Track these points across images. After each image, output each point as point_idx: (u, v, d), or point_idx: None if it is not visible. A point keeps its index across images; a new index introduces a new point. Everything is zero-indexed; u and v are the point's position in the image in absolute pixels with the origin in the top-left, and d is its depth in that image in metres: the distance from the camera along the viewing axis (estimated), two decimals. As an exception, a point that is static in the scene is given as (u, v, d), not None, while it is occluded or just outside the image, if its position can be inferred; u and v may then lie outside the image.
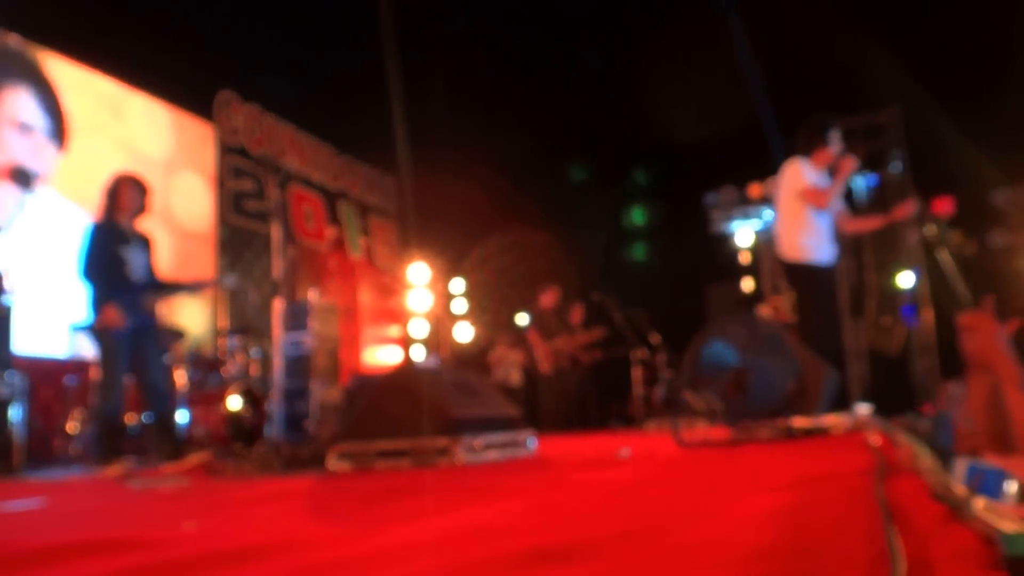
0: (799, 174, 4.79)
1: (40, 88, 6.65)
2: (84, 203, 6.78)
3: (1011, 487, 1.29)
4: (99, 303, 4.68)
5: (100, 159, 7.00)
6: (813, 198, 4.71)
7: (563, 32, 10.51)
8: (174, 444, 4.85)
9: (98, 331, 4.69)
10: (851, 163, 4.77)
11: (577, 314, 8.89)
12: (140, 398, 5.00)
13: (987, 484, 1.32)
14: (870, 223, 5.36)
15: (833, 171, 4.88)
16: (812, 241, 4.74)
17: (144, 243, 5.03)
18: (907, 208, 4.88)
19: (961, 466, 1.35)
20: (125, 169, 5.41)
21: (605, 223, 12.24)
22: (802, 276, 4.75)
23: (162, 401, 4.95)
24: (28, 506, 2.73)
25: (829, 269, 4.81)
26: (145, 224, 5.13)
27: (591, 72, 10.40)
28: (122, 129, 7.43)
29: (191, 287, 5.71)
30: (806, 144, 4.85)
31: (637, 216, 12.41)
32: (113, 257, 4.79)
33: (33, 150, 6.48)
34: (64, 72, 6.89)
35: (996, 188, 9.44)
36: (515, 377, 9.25)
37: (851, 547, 1.20)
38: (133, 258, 4.88)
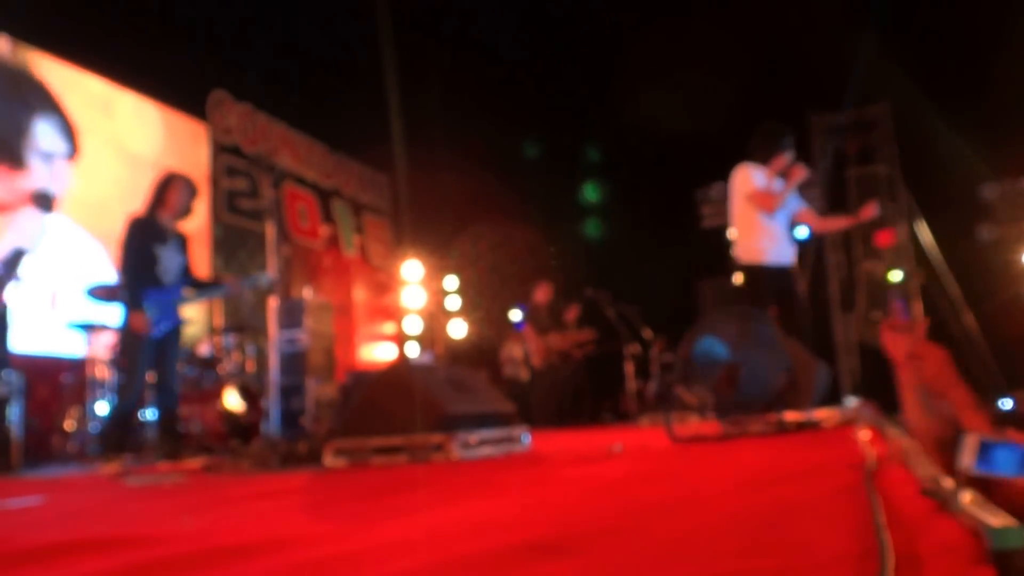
0: (748, 178, 4.93)
1: (60, 116, 6.69)
2: (77, 203, 6.77)
3: None
4: (129, 301, 4.70)
5: (91, 159, 6.98)
6: (762, 201, 4.83)
7: (562, 32, 10.51)
8: (177, 442, 4.86)
9: (125, 331, 4.72)
10: (801, 171, 4.92)
11: (572, 313, 8.91)
12: (152, 395, 5.01)
13: (1001, 460, 1.34)
14: (836, 223, 5.48)
15: (785, 177, 5.02)
16: (766, 244, 4.85)
17: (182, 243, 5.03)
18: (871, 209, 4.93)
19: (972, 441, 1.36)
20: (174, 169, 5.42)
21: (604, 218, 12.25)
22: (758, 278, 4.82)
23: (173, 400, 4.98)
24: (26, 504, 2.73)
25: (786, 270, 4.91)
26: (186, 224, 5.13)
27: (589, 69, 10.40)
28: (113, 128, 7.41)
29: (224, 289, 5.69)
30: (762, 150, 4.99)
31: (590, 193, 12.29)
32: (147, 255, 4.79)
33: (54, 175, 6.54)
34: (55, 72, 6.86)
35: (985, 182, 9.50)
36: (525, 373, 9.26)
37: (840, 541, 1.22)
38: (167, 257, 4.89)
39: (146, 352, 4.70)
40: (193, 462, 4.40)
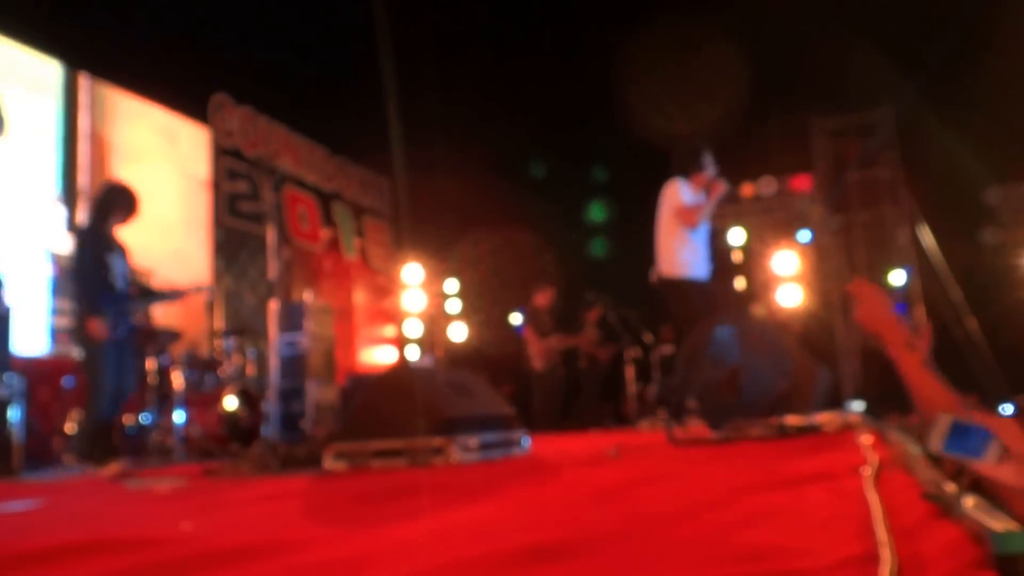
0: (676, 193, 5.02)
1: None
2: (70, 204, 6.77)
3: (994, 447, 1.30)
4: (85, 309, 4.71)
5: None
6: (687, 217, 4.93)
7: (561, 32, 10.52)
8: (104, 450, 4.74)
9: (84, 338, 4.72)
10: (721, 186, 5.03)
11: (594, 314, 8.91)
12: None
13: (969, 442, 1.33)
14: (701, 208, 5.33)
15: (707, 192, 5.11)
16: (690, 258, 4.96)
17: (123, 252, 5.06)
18: (719, 187, 5.03)
19: (944, 421, 1.35)
20: (114, 177, 5.42)
21: (604, 221, 12.23)
22: (681, 291, 4.94)
23: (118, 407, 4.97)
24: (26, 507, 2.73)
25: (706, 284, 5.03)
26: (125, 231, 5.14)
27: (590, 70, 10.40)
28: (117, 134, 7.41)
29: (168, 296, 5.70)
30: (684, 165, 5.08)
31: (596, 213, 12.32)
32: (100, 264, 4.82)
33: None
34: (54, 76, 6.86)
35: (988, 186, 9.49)
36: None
37: (842, 546, 1.22)
38: (117, 264, 4.92)
39: (109, 357, 4.71)
40: (114, 473, 4.34)
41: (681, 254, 4.93)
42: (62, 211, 6.73)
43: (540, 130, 10.79)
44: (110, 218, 4.95)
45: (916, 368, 1.89)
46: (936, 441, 1.35)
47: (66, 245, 6.44)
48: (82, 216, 6.71)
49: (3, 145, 5.46)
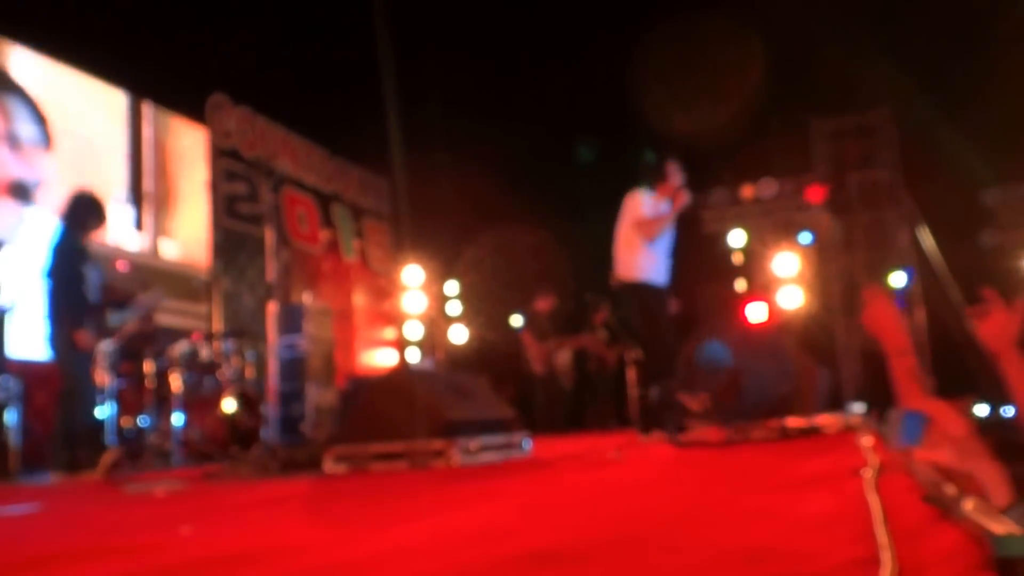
0: (638, 206, 5.06)
1: (18, 96, 6.61)
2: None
3: (930, 432, 1.31)
4: (62, 320, 4.69)
5: (86, 162, 6.97)
6: (644, 229, 4.97)
7: (561, 34, 10.52)
8: (73, 457, 4.69)
9: (66, 350, 4.71)
10: (684, 197, 5.09)
11: (601, 315, 8.90)
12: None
13: (911, 430, 1.34)
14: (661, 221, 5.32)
15: (672, 202, 5.16)
16: (645, 264, 4.99)
17: (96, 263, 5.04)
18: (681, 199, 5.09)
19: (895, 416, 1.36)
20: (81, 186, 5.39)
21: (602, 222, 12.23)
22: (636, 293, 4.99)
23: (90, 415, 4.96)
24: (23, 511, 2.72)
25: (661, 289, 5.07)
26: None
27: (590, 72, 10.40)
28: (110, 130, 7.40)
29: (135, 310, 5.64)
30: (649, 176, 5.12)
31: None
32: (76, 274, 4.79)
33: (26, 161, 6.47)
34: (49, 74, 6.85)
35: (987, 188, 9.50)
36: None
37: (843, 548, 1.21)
38: (92, 276, 4.90)
39: (86, 368, 4.75)
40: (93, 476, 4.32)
41: (637, 260, 4.98)
42: (130, 211, 7.11)
43: (540, 132, 10.80)
44: (83, 229, 4.92)
45: (905, 376, 1.96)
46: (893, 436, 1.36)
47: (134, 243, 7.00)
48: (148, 217, 7.37)
49: (53, 158, 5.43)
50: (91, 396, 4.73)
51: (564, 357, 8.97)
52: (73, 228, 4.90)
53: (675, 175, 5.14)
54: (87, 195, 5.08)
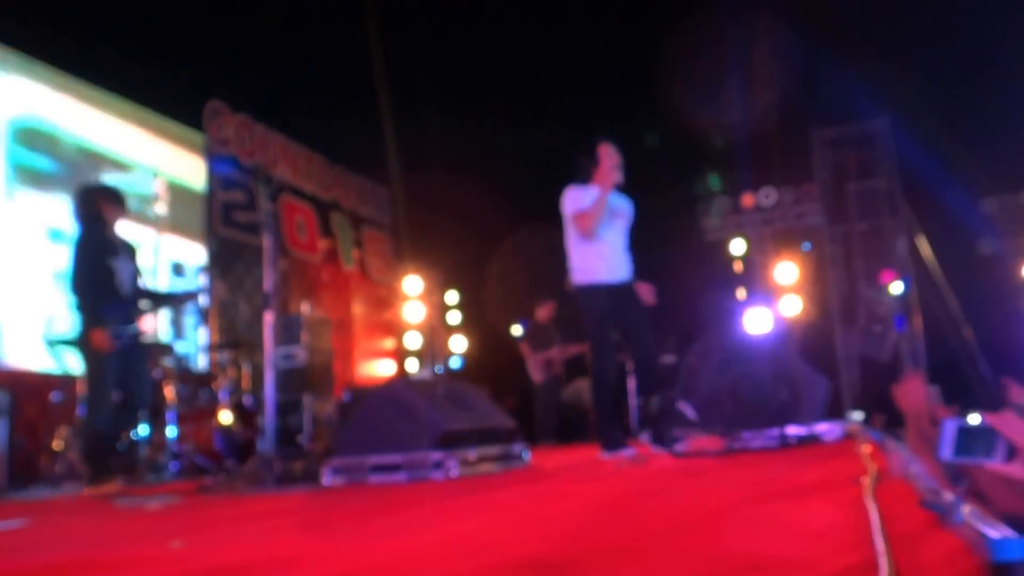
0: (566, 201, 4.80)
1: None
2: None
3: (1001, 445, 1.29)
4: (88, 318, 4.50)
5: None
6: (579, 224, 4.74)
7: (560, 39, 10.54)
8: (104, 466, 4.50)
9: (86, 350, 4.53)
10: (613, 176, 4.73)
11: None
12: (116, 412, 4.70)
13: (976, 445, 1.32)
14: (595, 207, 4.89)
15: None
16: (597, 263, 4.73)
17: (131, 252, 4.83)
18: (608, 180, 4.69)
19: (950, 428, 1.35)
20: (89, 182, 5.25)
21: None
22: (581, 298, 4.73)
23: (132, 420, 4.78)
24: (11, 527, 2.66)
25: (623, 286, 4.76)
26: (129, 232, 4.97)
27: (590, 77, 10.42)
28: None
29: (178, 298, 5.58)
30: (584, 168, 4.81)
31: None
32: (102, 269, 4.61)
33: None
34: (51, 81, 6.86)
35: (985, 196, 9.52)
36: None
37: (842, 555, 1.20)
38: (121, 268, 4.70)
39: (110, 368, 4.48)
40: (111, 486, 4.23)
41: (589, 260, 4.74)
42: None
43: (541, 137, 10.82)
44: (102, 221, 4.71)
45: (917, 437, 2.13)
46: (946, 449, 1.34)
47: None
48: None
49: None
50: (105, 401, 4.52)
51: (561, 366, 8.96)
52: (90, 223, 4.68)
53: (608, 157, 4.80)
54: (93, 186, 4.90)
